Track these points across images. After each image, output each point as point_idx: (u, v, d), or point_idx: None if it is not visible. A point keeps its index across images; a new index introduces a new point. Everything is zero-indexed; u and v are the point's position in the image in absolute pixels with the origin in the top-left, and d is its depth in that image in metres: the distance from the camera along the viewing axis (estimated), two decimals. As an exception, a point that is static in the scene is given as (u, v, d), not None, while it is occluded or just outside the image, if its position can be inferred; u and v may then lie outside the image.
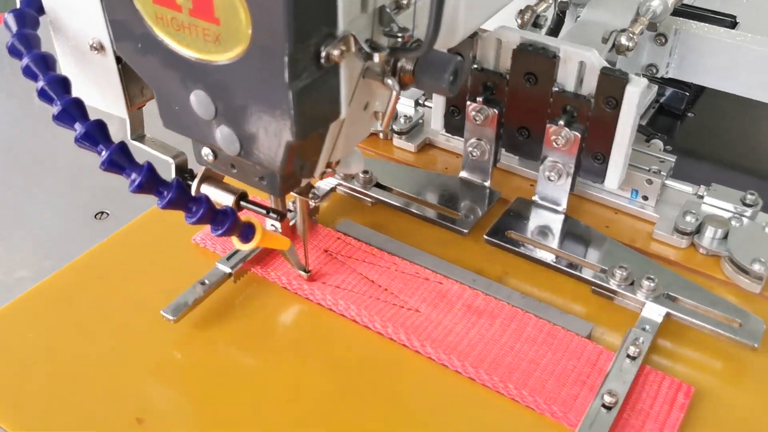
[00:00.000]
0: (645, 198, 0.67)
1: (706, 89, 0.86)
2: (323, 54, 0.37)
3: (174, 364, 0.55)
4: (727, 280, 0.62)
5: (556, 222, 0.65)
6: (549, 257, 0.62)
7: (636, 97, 0.57)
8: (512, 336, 0.56)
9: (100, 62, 0.49)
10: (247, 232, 0.52)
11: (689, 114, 0.86)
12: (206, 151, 0.49)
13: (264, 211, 0.53)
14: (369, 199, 0.69)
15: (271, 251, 0.63)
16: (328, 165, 0.49)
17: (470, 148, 0.67)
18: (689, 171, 0.72)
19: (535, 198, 0.67)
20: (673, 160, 0.68)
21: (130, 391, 0.53)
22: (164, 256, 0.64)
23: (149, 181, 0.46)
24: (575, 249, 0.63)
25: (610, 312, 0.59)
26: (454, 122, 0.68)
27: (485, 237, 0.64)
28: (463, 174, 0.70)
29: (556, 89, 0.61)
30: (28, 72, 0.47)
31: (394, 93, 0.43)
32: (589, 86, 0.59)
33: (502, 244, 0.63)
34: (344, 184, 0.70)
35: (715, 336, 0.56)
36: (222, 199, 0.52)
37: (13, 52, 0.48)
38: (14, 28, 0.48)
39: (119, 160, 0.46)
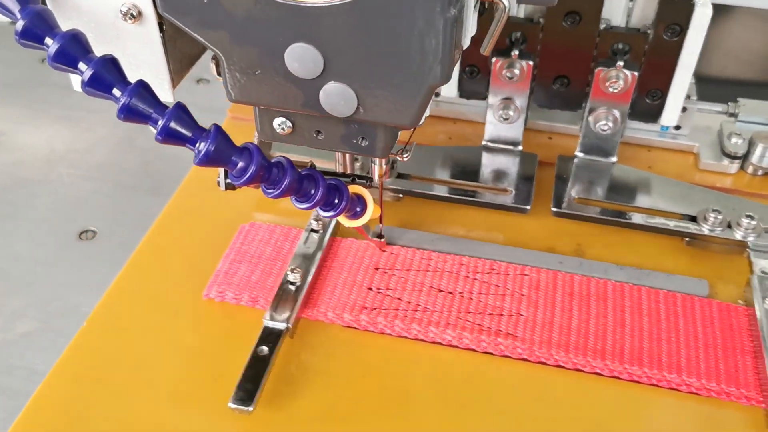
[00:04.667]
0: (677, 128, 0.62)
1: None
2: None
3: (268, 466, 0.42)
4: (791, 197, 0.59)
5: (608, 175, 0.58)
6: (625, 216, 0.55)
7: (707, 20, 0.50)
8: (633, 315, 0.49)
9: (134, 33, 0.39)
10: (355, 206, 0.45)
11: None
12: (280, 121, 0.40)
13: (349, 179, 0.46)
14: (395, 193, 0.58)
15: (314, 285, 0.51)
16: None
17: (500, 111, 0.57)
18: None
19: (580, 153, 0.59)
20: (693, 81, 0.63)
21: None
22: (180, 329, 0.49)
23: (260, 169, 0.37)
24: (644, 200, 0.56)
25: (706, 261, 0.53)
26: (471, 84, 0.59)
27: (554, 210, 0.55)
28: (488, 142, 0.60)
29: (603, 26, 0.53)
30: (61, 59, 0.35)
31: (507, 11, 0.36)
32: (642, 16, 0.52)
33: (577, 213, 0.55)
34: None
35: (827, 261, 0.53)
36: None
37: (29, 36, 0.35)
38: (16, 5, 0.35)
39: (221, 151, 0.36)
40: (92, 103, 0.39)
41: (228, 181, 0.49)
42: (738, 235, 0.53)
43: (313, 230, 0.53)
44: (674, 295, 0.50)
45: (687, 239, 0.54)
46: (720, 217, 0.53)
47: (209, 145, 0.36)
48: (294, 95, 0.37)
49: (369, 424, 0.44)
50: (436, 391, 0.46)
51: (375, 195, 0.48)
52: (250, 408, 0.43)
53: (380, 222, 0.52)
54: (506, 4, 0.35)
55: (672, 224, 0.54)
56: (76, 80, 0.37)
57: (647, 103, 0.56)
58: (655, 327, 0.48)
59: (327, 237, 0.53)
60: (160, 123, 0.35)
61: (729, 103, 0.63)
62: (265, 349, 0.46)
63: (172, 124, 0.35)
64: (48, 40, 0.35)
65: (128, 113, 0.35)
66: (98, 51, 0.36)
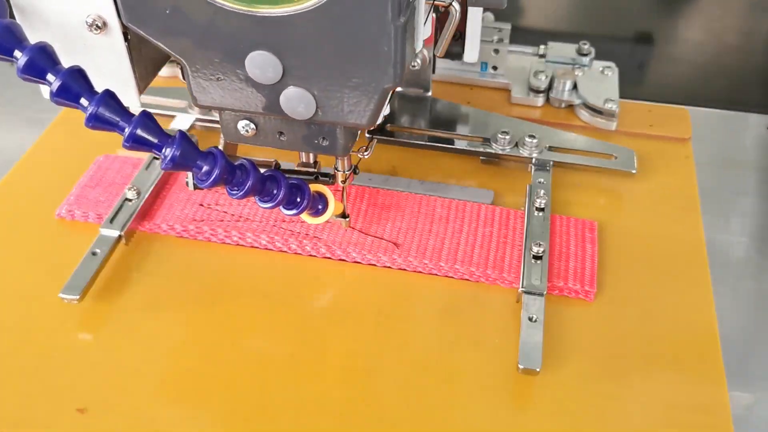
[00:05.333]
0: (495, 68, 0.70)
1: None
2: None
3: (94, 345, 0.50)
4: (585, 125, 0.67)
5: (426, 107, 0.66)
6: (431, 141, 0.63)
7: (485, -34, 0.58)
8: (425, 220, 0.57)
9: (100, 43, 0.41)
10: (317, 204, 0.48)
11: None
12: (244, 124, 0.43)
13: (312, 177, 0.49)
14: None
15: (154, 203, 0.58)
16: None
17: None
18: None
19: (399, 89, 0.67)
20: (509, 27, 0.71)
21: (57, 384, 0.47)
22: (29, 241, 0.56)
23: (224, 172, 0.40)
24: (452, 128, 0.64)
25: (500, 177, 0.62)
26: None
27: (366, 135, 0.63)
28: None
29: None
30: (30, 71, 0.36)
31: (457, 15, 0.41)
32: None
33: (383, 138, 0.63)
34: (203, 117, 0.65)
35: (598, 173, 0.61)
36: None
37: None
38: None
39: (186, 156, 0.38)
40: (63, 104, 0.40)
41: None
42: (524, 152, 0.61)
43: (155, 157, 0.61)
44: (464, 204, 0.59)
45: (482, 158, 0.62)
46: (508, 137, 0.61)
47: (175, 151, 0.37)
48: (255, 99, 0.40)
49: (185, 310, 0.51)
50: (250, 285, 0.53)
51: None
52: (76, 297, 0.50)
53: (344, 215, 0.54)
54: (457, 8, 0.40)
55: (467, 145, 0.62)
56: (44, 88, 0.38)
57: (452, 43, 0.64)
58: (442, 229, 0.57)
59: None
60: (127, 131, 0.37)
61: (540, 46, 0.72)
62: (97, 251, 0.53)
63: (139, 132, 0.37)
64: (17, 53, 0.36)
65: (95, 122, 0.37)
66: (66, 61, 0.37)
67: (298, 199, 0.47)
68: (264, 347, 0.49)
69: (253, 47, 0.37)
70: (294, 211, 0.47)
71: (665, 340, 0.50)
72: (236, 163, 0.42)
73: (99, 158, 0.63)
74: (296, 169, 0.51)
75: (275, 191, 0.44)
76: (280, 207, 0.46)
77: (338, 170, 0.50)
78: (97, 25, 0.40)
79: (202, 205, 0.58)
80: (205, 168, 0.39)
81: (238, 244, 0.56)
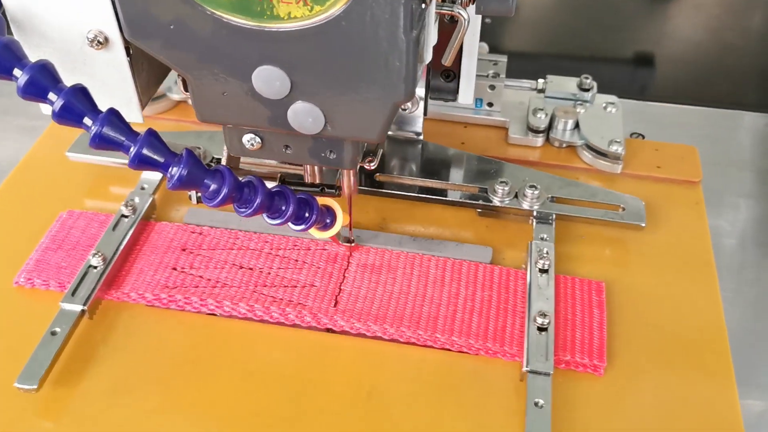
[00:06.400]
0: (490, 105, 0.65)
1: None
2: None
3: (53, 439, 0.45)
4: (588, 167, 0.62)
5: (417, 152, 0.62)
6: (423, 191, 0.59)
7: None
8: (419, 283, 0.53)
9: (102, 59, 0.40)
10: (325, 218, 0.47)
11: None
12: (249, 137, 0.42)
13: (318, 189, 0.47)
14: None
15: (122, 268, 0.53)
16: None
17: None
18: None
19: (390, 132, 0.62)
20: (505, 59, 0.66)
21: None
22: (-15, 313, 0.51)
23: (233, 190, 0.39)
24: (445, 175, 0.60)
25: (499, 229, 0.57)
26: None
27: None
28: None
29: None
30: (31, 90, 0.35)
31: (467, 24, 0.39)
32: (425, 2, 0.55)
33: (372, 189, 0.58)
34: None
35: (603, 225, 0.57)
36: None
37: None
38: None
39: (193, 174, 0.37)
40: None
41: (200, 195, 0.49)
42: (525, 204, 0.56)
43: (123, 216, 0.56)
44: (461, 263, 0.54)
45: (479, 210, 0.58)
46: (507, 188, 0.56)
47: (182, 170, 0.37)
48: (262, 114, 0.38)
49: (157, 392, 0.47)
50: (228, 361, 0.49)
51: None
52: (34, 386, 0.45)
53: (350, 228, 0.53)
54: (465, 16, 0.38)
55: (462, 197, 0.57)
56: (45, 106, 0.37)
57: (444, 83, 0.59)
58: (438, 293, 0.52)
59: (137, 221, 0.55)
60: (133, 150, 0.36)
61: (538, 80, 0.67)
62: (57, 330, 0.48)
63: (145, 151, 0.36)
64: (17, 72, 0.35)
65: (100, 142, 0.36)
66: (66, 77, 0.36)
67: (307, 214, 0.46)
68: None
69: (260, 62, 0.36)
70: (302, 226, 0.46)
71: (682, 418, 0.46)
72: (244, 180, 0.40)
73: (62, 214, 0.57)
74: (301, 182, 0.49)
75: (283, 207, 0.43)
76: (289, 223, 0.44)
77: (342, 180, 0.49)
78: (98, 41, 0.39)
79: (175, 269, 0.53)
80: (213, 187, 0.38)
81: (213, 314, 0.51)
